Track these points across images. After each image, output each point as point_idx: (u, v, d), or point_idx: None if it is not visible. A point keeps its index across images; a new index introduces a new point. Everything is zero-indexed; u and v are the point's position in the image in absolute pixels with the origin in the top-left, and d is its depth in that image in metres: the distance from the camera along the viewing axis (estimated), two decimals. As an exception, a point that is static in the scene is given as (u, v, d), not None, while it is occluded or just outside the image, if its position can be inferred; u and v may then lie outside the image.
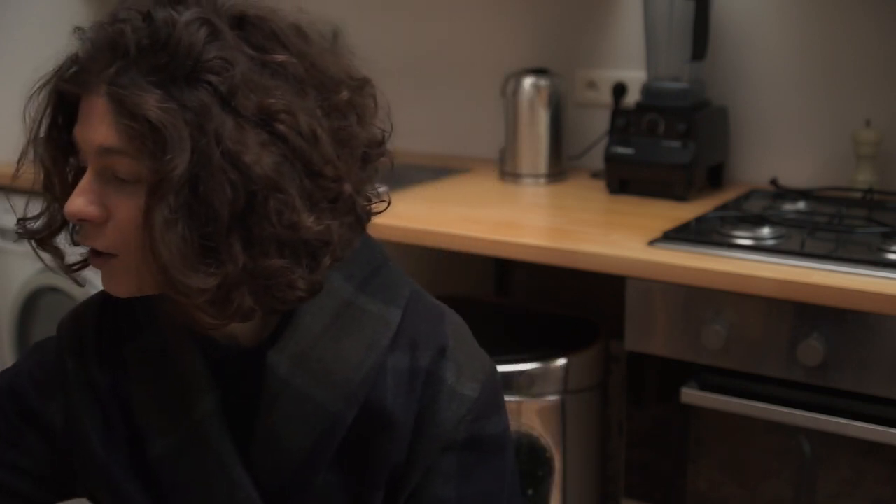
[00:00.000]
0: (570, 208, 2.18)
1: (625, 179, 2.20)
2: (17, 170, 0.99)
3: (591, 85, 2.47)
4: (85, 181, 0.90)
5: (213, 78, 0.86)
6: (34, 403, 1.05)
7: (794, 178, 2.19)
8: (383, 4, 2.70)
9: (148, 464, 1.01)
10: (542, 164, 2.35)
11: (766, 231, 1.80)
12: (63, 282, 2.51)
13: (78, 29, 0.95)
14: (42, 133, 0.93)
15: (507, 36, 2.54)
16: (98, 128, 0.88)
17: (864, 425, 1.60)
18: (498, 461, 1.02)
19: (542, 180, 2.35)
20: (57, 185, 0.96)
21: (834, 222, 1.88)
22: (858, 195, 2.06)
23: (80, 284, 1.03)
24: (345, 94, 0.92)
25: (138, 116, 0.85)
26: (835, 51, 2.17)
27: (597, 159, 2.35)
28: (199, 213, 0.85)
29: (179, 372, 0.99)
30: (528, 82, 2.34)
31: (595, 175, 2.37)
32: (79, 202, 0.90)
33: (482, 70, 2.56)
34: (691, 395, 1.74)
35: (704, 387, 1.74)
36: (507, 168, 2.38)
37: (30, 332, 2.65)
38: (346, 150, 0.91)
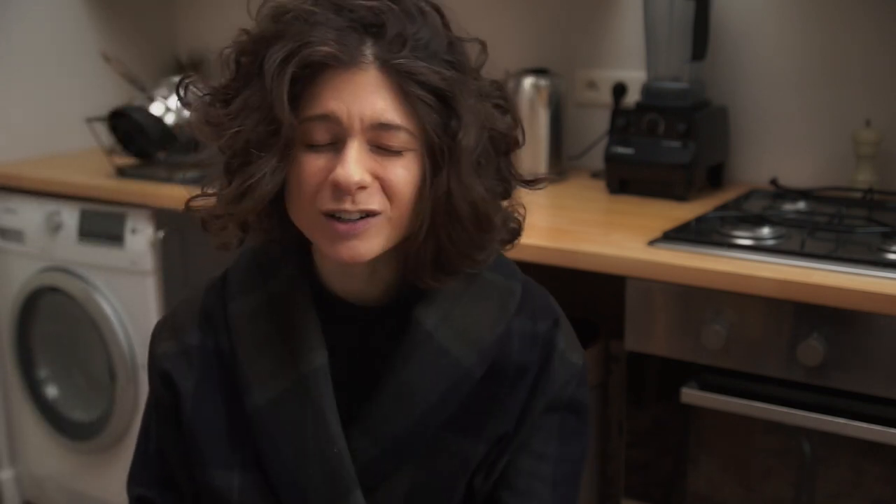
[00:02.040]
0: (570, 208, 2.18)
1: (625, 179, 2.20)
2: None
3: (591, 85, 2.47)
4: (355, 151, 0.94)
5: (459, 57, 0.98)
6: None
7: (794, 178, 2.19)
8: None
9: (244, 416, 1.05)
10: (542, 164, 2.35)
11: (766, 231, 1.80)
12: (63, 282, 2.52)
13: (281, 8, 0.97)
14: (286, 107, 0.93)
15: (507, 36, 2.54)
16: (374, 101, 0.94)
17: (864, 425, 1.59)
18: (587, 431, 1.12)
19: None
20: (273, 160, 0.96)
21: (834, 222, 1.88)
22: (858, 195, 2.06)
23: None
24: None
25: (428, 87, 0.94)
26: (835, 51, 2.17)
27: (597, 159, 2.35)
28: (483, 164, 1.00)
29: (291, 328, 1.04)
30: (528, 82, 2.34)
31: (595, 175, 2.37)
32: (357, 171, 0.94)
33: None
34: (691, 395, 1.73)
35: (704, 387, 1.74)
36: (507, 168, 2.38)
37: (30, 332, 2.65)
38: None
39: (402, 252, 1.02)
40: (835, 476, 1.67)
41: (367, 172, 0.94)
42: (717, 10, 2.22)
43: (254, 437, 1.05)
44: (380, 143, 0.95)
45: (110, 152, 2.53)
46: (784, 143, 2.25)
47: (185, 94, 1.04)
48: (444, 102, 0.96)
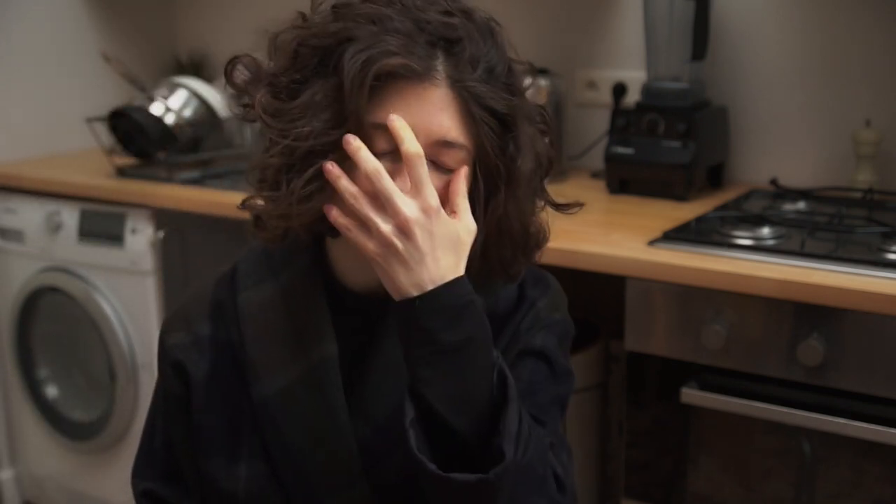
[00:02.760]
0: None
1: (625, 179, 2.20)
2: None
3: (591, 85, 2.47)
4: None
5: (515, 80, 1.00)
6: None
7: (794, 178, 2.19)
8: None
9: (252, 406, 1.05)
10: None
11: (766, 231, 1.80)
12: (63, 282, 2.52)
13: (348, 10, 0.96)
14: (365, 115, 0.93)
15: (507, 36, 2.53)
16: (441, 119, 0.94)
17: (864, 425, 1.60)
18: (563, 387, 1.11)
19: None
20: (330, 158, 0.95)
21: (834, 222, 1.88)
22: (858, 195, 2.06)
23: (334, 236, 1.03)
24: None
25: (493, 111, 0.96)
26: (835, 51, 2.17)
27: (597, 159, 2.35)
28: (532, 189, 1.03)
29: (301, 319, 1.04)
30: (527, 82, 2.34)
31: (595, 175, 2.37)
32: None
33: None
34: (691, 395, 1.73)
35: (704, 387, 1.74)
36: (507, 168, 2.38)
37: (30, 332, 2.65)
38: None
39: None
40: (835, 476, 1.67)
41: None
42: (717, 10, 2.22)
43: (261, 426, 1.05)
44: (437, 160, 0.95)
45: (110, 152, 2.53)
46: (784, 143, 2.25)
47: (234, 73, 1.02)
48: (505, 126, 0.97)
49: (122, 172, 2.49)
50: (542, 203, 1.09)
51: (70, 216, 2.48)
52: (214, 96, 2.51)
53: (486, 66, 0.96)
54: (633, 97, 2.32)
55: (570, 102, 2.45)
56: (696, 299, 1.71)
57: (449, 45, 0.95)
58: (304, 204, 0.95)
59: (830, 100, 2.18)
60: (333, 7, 0.98)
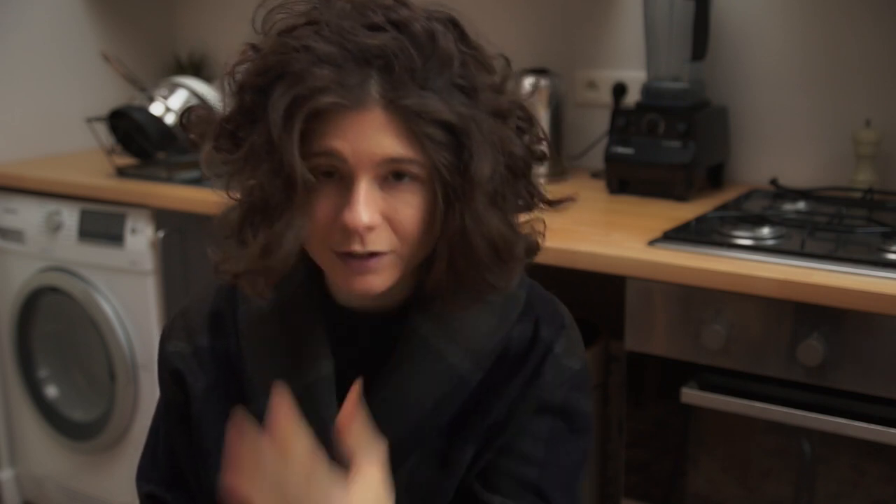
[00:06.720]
0: (570, 208, 2.17)
1: (625, 179, 2.20)
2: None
3: (591, 85, 2.47)
4: (364, 192, 0.92)
5: (473, 81, 0.95)
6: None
7: (794, 178, 2.19)
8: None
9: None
10: (542, 164, 2.35)
11: (766, 231, 1.80)
12: (63, 282, 2.52)
13: (295, 45, 0.92)
14: (300, 166, 0.90)
15: (507, 36, 2.53)
16: (381, 140, 0.91)
17: (864, 425, 1.60)
18: (584, 441, 1.08)
19: (542, 180, 2.34)
20: (293, 200, 0.93)
21: (834, 222, 1.88)
22: (858, 195, 2.06)
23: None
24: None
25: (438, 123, 0.91)
26: (835, 51, 2.17)
27: (597, 159, 2.35)
28: (501, 194, 0.97)
29: (298, 335, 1.03)
30: (528, 82, 2.34)
31: (595, 175, 2.37)
32: (367, 213, 0.92)
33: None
34: (691, 395, 1.74)
35: (704, 387, 1.74)
36: (507, 168, 2.37)
37: (30, 332, 2.65)
38: None
39: (418, 271, 1.01)
40: (835, 476, 1.67)
41: (377, 212, 0.92)
42: (717, 10, 2.22)
43: None
44: (397, 170, 0.93)
45: (110, 152, 2.53)
46: (784, 143, 2.25)
47: (189, 121, 1.02)
48: (454, 136, 0.93)
49: (122, 172, 2.49)
50: (536, 201, 1.06)
51: (70, 216, 2.48)
52: (214, 96, 2.51)
53: (425, 75, 0.91)
54: (633, 97, 2.32)
55: (570, 102, 2.45)
56: (696, 299, 1.71)
57: (381, 62, 0.90)
58: (278, 252, 0.93)
59: (830, 100, 2.18)
60: (279, 34, 0.95)
